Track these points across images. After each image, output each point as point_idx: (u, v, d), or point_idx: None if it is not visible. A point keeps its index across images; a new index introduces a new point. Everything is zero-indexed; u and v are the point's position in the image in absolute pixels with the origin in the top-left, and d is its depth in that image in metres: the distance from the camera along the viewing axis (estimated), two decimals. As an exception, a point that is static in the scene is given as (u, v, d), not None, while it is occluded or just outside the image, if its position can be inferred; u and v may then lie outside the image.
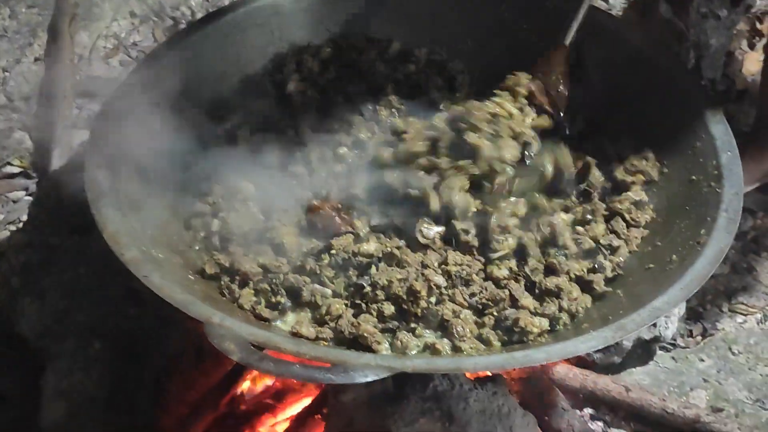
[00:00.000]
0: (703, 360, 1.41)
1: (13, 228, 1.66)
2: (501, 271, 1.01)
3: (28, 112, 1.90)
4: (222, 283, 1.02)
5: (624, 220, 1.09)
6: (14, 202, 1.72)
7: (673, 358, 1.41)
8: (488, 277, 1.01)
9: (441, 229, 1.05)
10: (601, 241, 1.07)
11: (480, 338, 0.96)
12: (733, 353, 1.42)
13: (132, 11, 2.10)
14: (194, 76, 1.22)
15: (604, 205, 1.11)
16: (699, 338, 1.45)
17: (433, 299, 0.97)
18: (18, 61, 1.97)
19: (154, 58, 1.22)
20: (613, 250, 1.07)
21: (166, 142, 1.13)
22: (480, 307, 0.98)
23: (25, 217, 1.67)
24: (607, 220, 1.10)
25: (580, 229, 1.08)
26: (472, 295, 0.99)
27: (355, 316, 0.97)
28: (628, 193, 1.12)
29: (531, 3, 1.32)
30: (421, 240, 1.04)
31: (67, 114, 1.82)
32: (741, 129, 1.75)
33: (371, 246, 1.02)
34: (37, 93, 1.92)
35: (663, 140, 1.16)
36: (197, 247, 1.08)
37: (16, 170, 1.78)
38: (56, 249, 1.24)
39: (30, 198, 1.72)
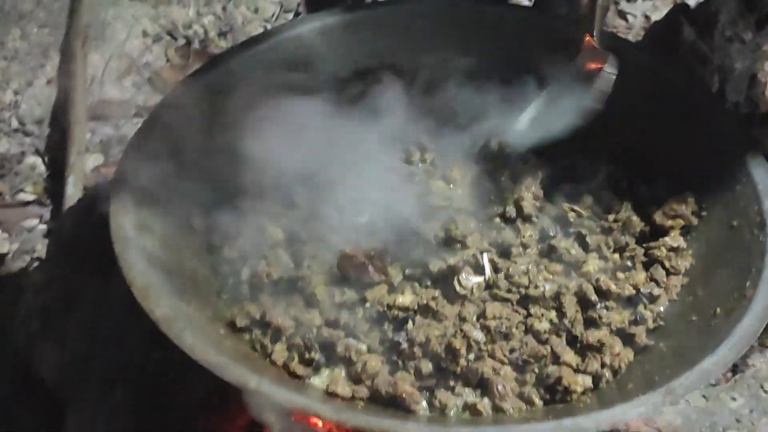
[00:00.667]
0: (734, 399, 1.38)
1: (27, 258, 1.63)
2: (542, 324, 0.98)
3: (40, 136, 1.87)
4: (253, 336, 0.99)
5: (663, 267, 1.06)
6: (28, 231, 1.69)
7: (704, 396, 1.38)
8: (528, 331, 0.98)
9: (480, 279, 1.02)
10: (642, 290, 1.04)
11: (521, 397, 0.94)
12: (765, 391, 1.40)
13: (144, 30, 2.07)
14: (216, 115, 1.19)
15: (642, 250, 1.09)
16: (730, 375, 1.42)
17: (471, 356, 0.95)
18: (30, 84, 1.94)
19: (172, 99, 1.18)
20: (653, 299, 1.04)
21: (193, 184, 1.11)
22: (520, 363, 0.96)
23: (39, 247, 1.64)
24: (646, 267, 1.07)
25: (620, 275, 1.05)
26: (512, 350, 0.96)
27: (392, 373, 0.95)
28: (666, 239, 1.09)
29: (560, 36, 1.29)
30: (459, 290, 1.01)
31: (80, 138, 1.79)
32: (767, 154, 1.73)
33: (407, 298, 0.99)
34: (49, 116, 1.90)
35: (700, 182, 1.13)
36: (225, 297, 1.05)
37: (30, 197, 1.75)
38: (76, 290, 1.21)
39: (44, 226, 1.69)
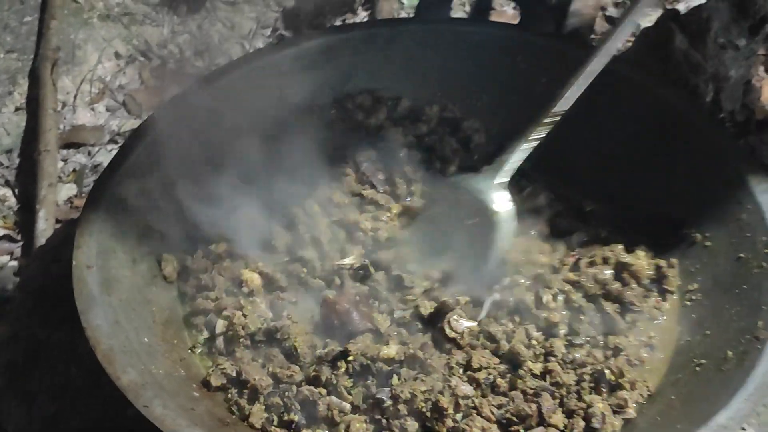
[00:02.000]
0: (743, 429, 1.32)
1: (-1, 297, 1.55)
2: (528, 382, 0.91)
3: (10, 167, 1.79)
4: (230, 396, 0.92)
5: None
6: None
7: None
8: (513, 387, 0.92)
9: (472, 324, 0.95)
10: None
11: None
12: (775, 419, 1.33)
13: (117, 52, 1.99)
14: (187, 148, 1.11)
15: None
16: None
17: (459, 415, 0.88)
18: (-2, 112, 1.86)
19: (140, 134, 1.10)
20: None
21: (164, 229, 1.04)
22: (504, 422, 0.89)
23: (10, 286, 1.57)
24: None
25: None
26: (500, 406, 0.89)
27: (376, 432, 0.88)
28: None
29: (549, 54, 1.22)
30: (449, 334, 0.94)
31: (50, 169, 1.71)
32: (764, 162, 1.67)
33: (392, 350, 0.92)
34: (19, 146, 1.82)
35: (702, 209, 1.07)
36: (199, 350, 0.98)
37: (0, 232, 1.67)
38: (44, 343, 1.14)
39: (15, 263, 1.61)
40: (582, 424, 0.87)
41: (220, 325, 0.97)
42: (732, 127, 1.70)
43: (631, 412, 0.90)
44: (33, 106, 1.83)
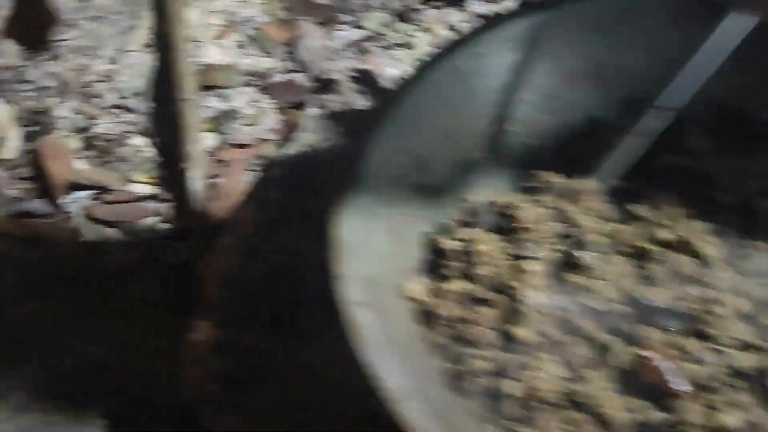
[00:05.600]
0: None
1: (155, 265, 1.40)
2: None
3: (142, 112, 1.63)
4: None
5: None
6: (150, 231, 1.47)
7: None
8: None
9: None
10: None
11: None
12: None
13: (238, -20, 1.80)
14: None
15: None
16: None
17: None
18: (123, 50, 1.68)
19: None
20: None
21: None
22: None
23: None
24: None
25: None
26: None
27: None
28: None
29: None
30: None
31: (193, 120, 1.55)
32: None
33: (729, 417, 0.78)
34: (149, 88, 1.65)
35: None
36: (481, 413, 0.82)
37: (146, 189, 1.52)
38: (265, 353, 1.02)
39: (165, 225, 1.47)
40: None
41: (509, 386, 0.82)
42: None
43: None
44: (160, 43, 1.66)
